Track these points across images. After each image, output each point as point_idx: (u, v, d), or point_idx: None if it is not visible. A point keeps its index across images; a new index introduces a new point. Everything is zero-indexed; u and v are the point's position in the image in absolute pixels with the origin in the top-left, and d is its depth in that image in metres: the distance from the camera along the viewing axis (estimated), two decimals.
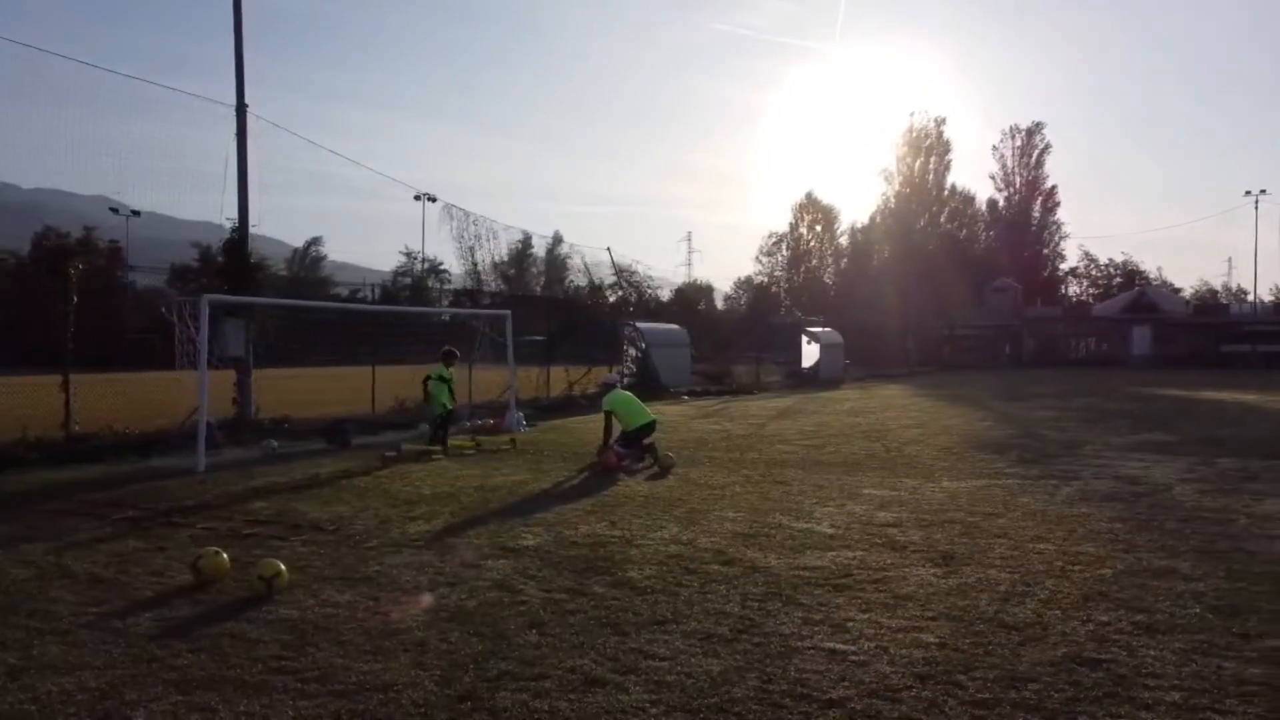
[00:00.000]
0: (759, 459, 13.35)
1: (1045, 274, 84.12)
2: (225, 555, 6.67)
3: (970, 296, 69.80)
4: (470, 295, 59.06)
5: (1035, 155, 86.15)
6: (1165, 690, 4.51)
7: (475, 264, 32.71)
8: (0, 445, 13.47)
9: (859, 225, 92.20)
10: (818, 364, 38.39)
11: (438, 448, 14.25)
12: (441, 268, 76.19)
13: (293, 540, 7.97)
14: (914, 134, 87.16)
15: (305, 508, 9.54)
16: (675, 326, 33.72)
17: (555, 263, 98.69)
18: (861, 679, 4.67)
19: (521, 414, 18.63)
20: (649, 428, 13.33)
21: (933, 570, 6.85)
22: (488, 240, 29.98)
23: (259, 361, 18.49)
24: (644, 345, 29.70)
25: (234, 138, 17.09)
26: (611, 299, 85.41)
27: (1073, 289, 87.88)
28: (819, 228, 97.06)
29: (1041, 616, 5.70)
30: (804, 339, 39.36)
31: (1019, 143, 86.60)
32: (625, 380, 29.17)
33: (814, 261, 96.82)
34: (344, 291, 77.71)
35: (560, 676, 4.72)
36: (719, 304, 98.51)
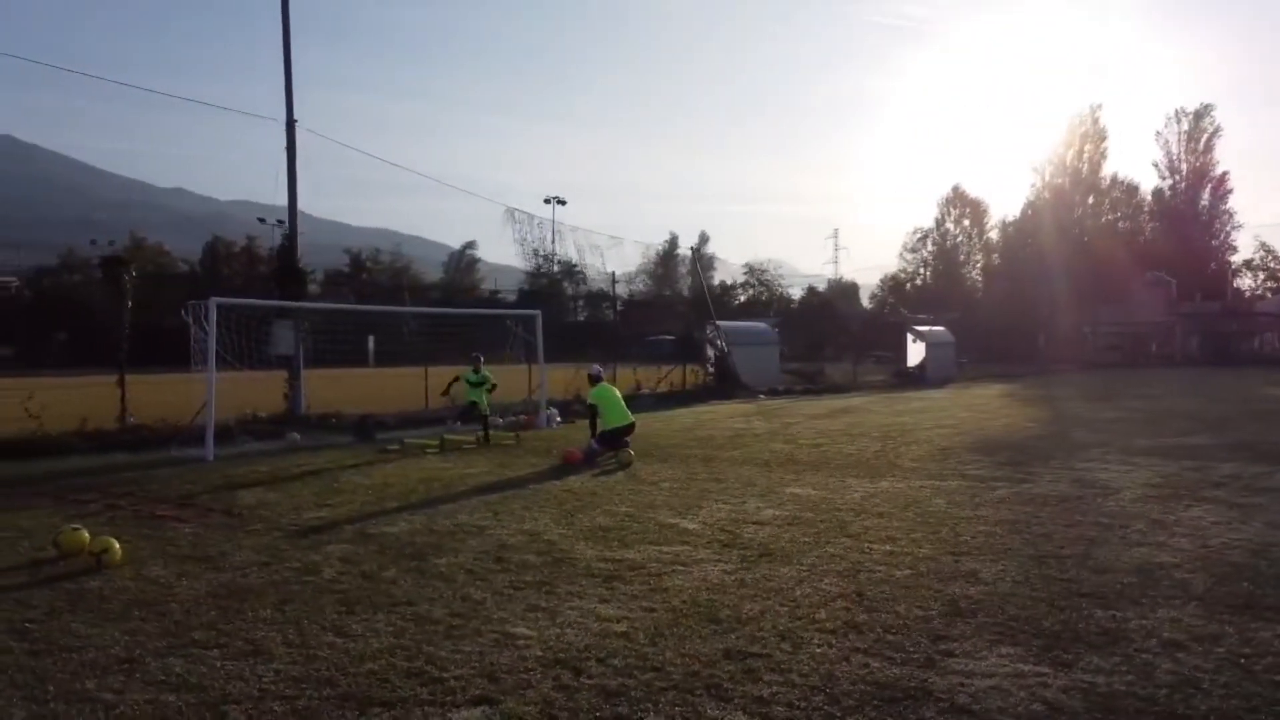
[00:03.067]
0: (736, 457, 13.38)
1: (1212, 267, 78.08)
2: (85, 532, 7.43)
3: (1124, 291, 65.82)
4: (605, 298, 60.45)
5: (1204, 140, 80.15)
6: (771, 685, 4.52)
7: (539, 265, 33.36)
8: (59, 434, 15.08)
9: (1010, 219, 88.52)
10: (923, 363, 37.26)
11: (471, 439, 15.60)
12: (576, 269, 77.85)
13: (192, 523, 8.73)
14: (1070, 122, 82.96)
15: (245, 494, 10.35)
16: (762, 325, 33.63)
17: (701, 263, 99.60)
18: (495, 661, 4.89)
19: (554, 410, 19.16)
20: (627, 429, 13.55)
21: (726, 566, 6.90)
22: (553, 243, 30.57)
23: (327, 361, 19.85)
24: (723, 344, 29.72)
25: (284, 151, 18.34)
26: (742, 298, 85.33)
27: (1246, 282, 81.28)
28: (966, 222, 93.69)
29: (764, 612, 5.71)
30: (909, 337, 38.30)
31: (1185, 127, 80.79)
32: (706, 378, 29.36)
33: (961, 257, 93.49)
34: (485, 293, 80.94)
35: (235, 647, 5.15)
36: (865, 302, 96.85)
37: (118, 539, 7.52)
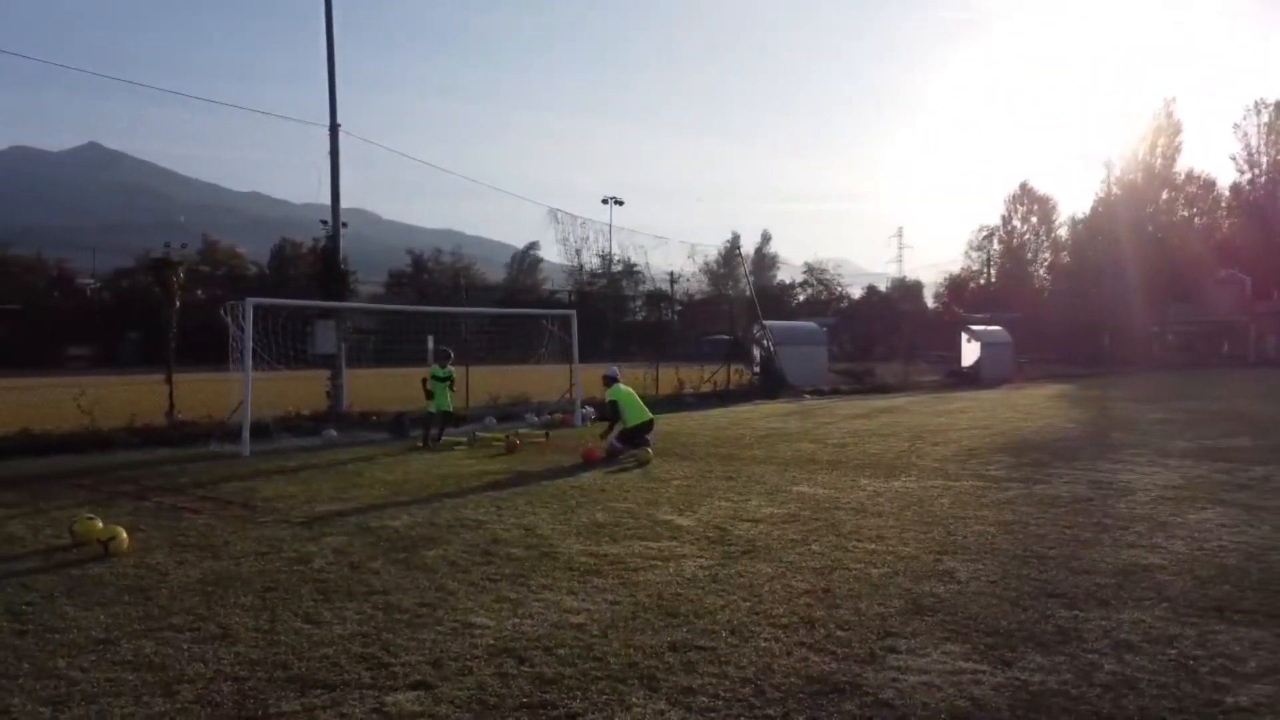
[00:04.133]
0: (756, 456, 13.39)
1: None
2: (98, 521, 7.79)
3: (1197, 290, 63.85)
4: (664, 297, 60.73)
5: None
6: (704, 677, 4.58)
7: (581, 264, 33.63)
8: (109, 430, 15.73)
9: (1080, 216, 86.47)
10: (978, 363, 36.63)
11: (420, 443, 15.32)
12: (636, 269, 78.13)
13: (207, 514, 9.07)
14: (1144, 115, 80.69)
15: (266, 488, 10.71)
16: (811, 324, 33.40)
17: (763, 262, 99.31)
18: (446, 649, 5.04)
19: (590, 409, 19.34)
20: (647, 425, 13.67)
21: (705, 562, 6.96)
22: (595, 241, 30.92)
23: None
24: (770, 344, 29.61)
25: (328, 156, 18.85)
26: (801, 297, 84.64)
27: None
28: (1034, 219, 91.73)
29: (725, 607, 5.77)
30: (964, 337, 37.69)
31: (1265, 119, 77.80)
32: (752, 378, 29.30)
33: (1028, 255, 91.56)
34: (545, 293, 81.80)
35: (207, 631, 5.38)
36: (930, 301, 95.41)
37: (136, 528, 7.94)
